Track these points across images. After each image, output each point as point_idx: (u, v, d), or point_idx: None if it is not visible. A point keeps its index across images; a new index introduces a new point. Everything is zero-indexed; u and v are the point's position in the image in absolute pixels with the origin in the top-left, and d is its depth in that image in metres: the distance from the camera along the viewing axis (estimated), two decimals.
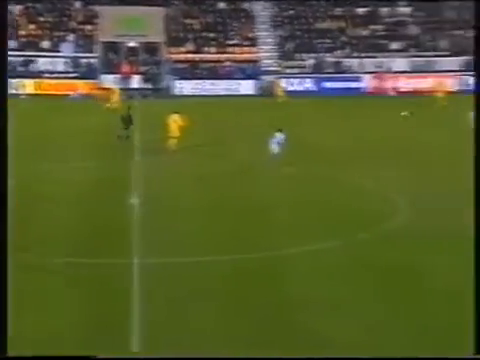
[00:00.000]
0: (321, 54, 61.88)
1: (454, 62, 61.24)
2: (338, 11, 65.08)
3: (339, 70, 61.05)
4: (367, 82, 60.10)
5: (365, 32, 63.93)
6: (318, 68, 61.22)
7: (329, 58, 61.79)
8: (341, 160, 32.20)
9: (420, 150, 34.58)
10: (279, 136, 31.88)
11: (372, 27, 64.20)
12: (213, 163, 32.68)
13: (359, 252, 20.66)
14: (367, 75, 60.17)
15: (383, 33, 63.77)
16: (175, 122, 35.33)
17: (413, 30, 64.21)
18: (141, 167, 31.28)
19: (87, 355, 13.11)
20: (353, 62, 61.56)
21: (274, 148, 31.74)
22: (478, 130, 14.90)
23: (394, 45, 62.68)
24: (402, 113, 41.26)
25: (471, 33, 63.81)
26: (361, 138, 37.41)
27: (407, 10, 65.57)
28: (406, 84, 59.95)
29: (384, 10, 65.34)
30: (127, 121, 37.22)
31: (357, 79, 60.07)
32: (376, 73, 60.30)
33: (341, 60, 61.65)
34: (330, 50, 62.42)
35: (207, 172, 30.81)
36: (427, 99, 54.86)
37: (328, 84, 59.64)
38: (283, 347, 15.03)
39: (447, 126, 41.33)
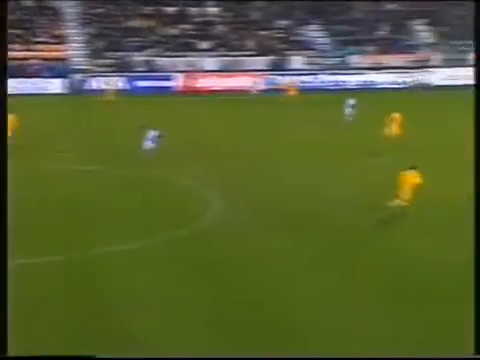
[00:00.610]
0: (131, 53, 61.76)
1: (260, 61, 63.12)
2: (148, 10, 65.26)
3: (150, 69, 61.18)
4: (178, 81, 60.64)
5: (175, 31, 64.51)
6: (129, 67, 61.03)
7: (140, 57, 61.77)
8: (163, 160, 32.31)
9: (236, 149, 35.28)
10: (153, 133, 31.93)
11: (182, 26, 64.89)
12: (40, 162, 31.84)
13: (179, 249, 20.92)
14: (178, 74, 60.72)
15: (193, 32, 64.63)
16: (10, 121, 34.33)
17: (221, 30, 65.58)
18: None
19: (87, 355, 12.83)
20: (164, 61, 61.91)
21: (147, 145, 31.75)
22: (478, 129, 15.14)
23: (203, 44, 63.70)
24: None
25: (275, 33, 66.29)
26: (177, 138, 37.68)
27: (215, 10, 66.88)
28: (216, 83, 61.08)
29: (193, 10, 66.26)
30: None
31: (168, 78, 60.46)
32: (187, 72, 60.98)
33: (153, 59, 61.82)
34: (140, 49, 62.42)
35: (30, 171, 29.97)
36: (239, 98, 56.31)
37: (140, 83, 59.59)
38: (94, 347, 14.79)
39: (259, 125, 42.49)
